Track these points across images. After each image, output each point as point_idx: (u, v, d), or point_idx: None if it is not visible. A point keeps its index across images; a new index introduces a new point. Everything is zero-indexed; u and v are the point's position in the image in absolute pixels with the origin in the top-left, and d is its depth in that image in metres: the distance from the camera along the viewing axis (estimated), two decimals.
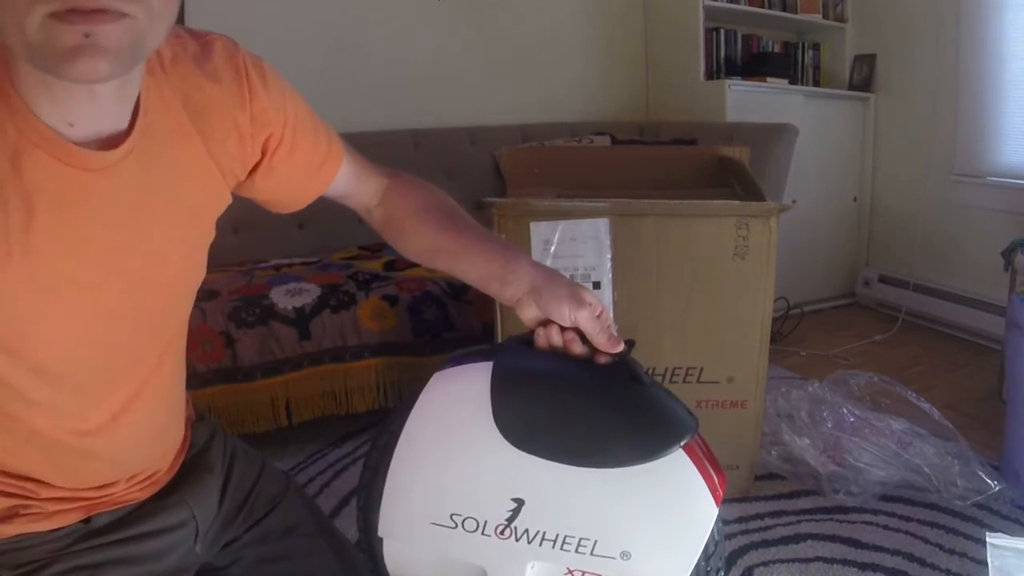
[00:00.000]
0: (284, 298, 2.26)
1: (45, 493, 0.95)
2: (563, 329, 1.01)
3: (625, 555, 1.03)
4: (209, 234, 1.02)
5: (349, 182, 1.13)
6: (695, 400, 1.87)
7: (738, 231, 1.78)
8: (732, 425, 1.89)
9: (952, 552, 1.73)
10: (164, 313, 0.97)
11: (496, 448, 1.03)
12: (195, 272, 1.02)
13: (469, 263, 1.09)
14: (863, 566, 1.68)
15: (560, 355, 1.04)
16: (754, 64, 3.72)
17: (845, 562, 1.70)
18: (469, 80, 3.56)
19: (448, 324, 2.34)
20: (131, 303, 0.90)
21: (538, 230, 1.80)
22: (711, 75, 3.68)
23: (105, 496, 1.00)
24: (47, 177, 0.76)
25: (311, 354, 2.22)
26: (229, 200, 1.02)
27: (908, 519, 1.86)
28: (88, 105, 0.76)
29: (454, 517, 1.09)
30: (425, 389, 1.09)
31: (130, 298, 0.89)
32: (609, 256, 1.81)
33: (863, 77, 3.79)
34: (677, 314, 1.84)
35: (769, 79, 3.60)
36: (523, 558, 1.08)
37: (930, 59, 3.47)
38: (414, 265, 2.23)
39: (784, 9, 3.78)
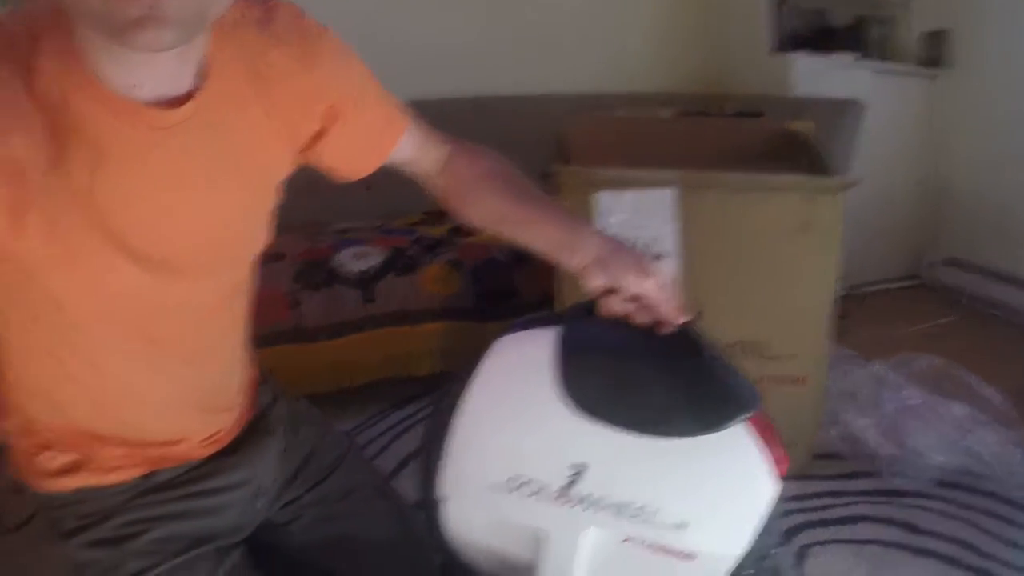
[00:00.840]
0: (349, 261, 2.30)
1: (108, 451, 0.98)
2: (627, 299, 1.01)
3: (682, 525, 1.03)
4: (271, 199, 1.02)
5: (412, 150, 1.13)
6: (756, 375, 1.86)
7: (804, 206, 1.77)
8: (792, 402, 1.89)
9: (1009, 543, 1.73)
10: (220, 274, 0.98)
11: (559, 413, 1.04)
12: (256, 236, 1.03)
13: (535, 231, 1.09)
14: (917, 551, 1.69)
15: (624, 324, 1.05)
16: (822, 38, 3.65)
17: (900, 546, 1.71)
18: (532, 49, 3.55)
19: (511, 290, 2.37)
20: (186, 262, 0.91)
21: (602, 200, 1.80)
22: (778, 48, 3.62)
23: (168, 452, 1.03)
24: (109, 134, 0.78)
25: (374, 317, 2.26)
26: (292, 166, 1.03)
27: (967, 506, 1.86)
28: (148, 69, 0.78)
29: (513, 480, 1.09)
30: (489, 353, 1.10)
31: (185, 256, 0.91)
32: (674, 228, 1.80)
33: (934, 53, 3.71)
34: (740, 288, 1.84)
35: (837, 53, 3.54)
36: (580, 524, 1.08)
37: (1004, 35, 3.37)
38: (478, 231, 2.25)
39: None
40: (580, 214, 1.71)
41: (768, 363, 1.88)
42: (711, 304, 1.79)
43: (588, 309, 1.07)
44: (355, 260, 2.30)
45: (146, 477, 1.02)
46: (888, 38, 3.89)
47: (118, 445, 0.99)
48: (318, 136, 1.02)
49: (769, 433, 1.04)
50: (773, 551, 1.09)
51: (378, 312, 2.26)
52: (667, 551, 1.05)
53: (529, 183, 1.16)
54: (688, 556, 1.04)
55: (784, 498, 1.80)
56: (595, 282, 1.02)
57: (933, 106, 3.75)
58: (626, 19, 3.74)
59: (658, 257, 1.80)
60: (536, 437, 1.06)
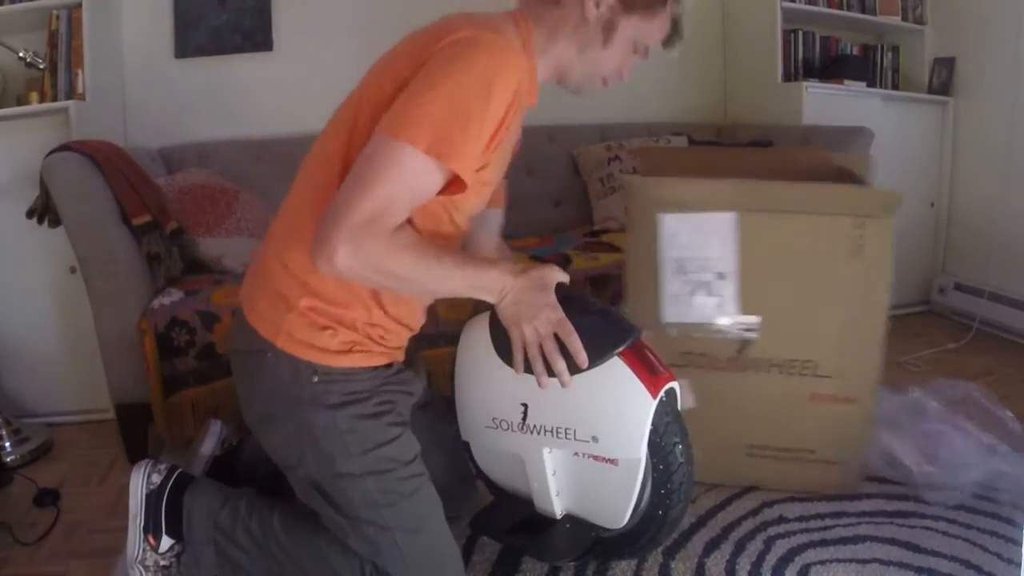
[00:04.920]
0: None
1: (377, 332, 1.39)
2: None
3: (595, 439, 1.48)
4: None
5: (494, 224, 1.77)
6: (808, 393, 1.95)
7: (855, 230, 1.84)
8: (841, 421, 1.96)
9: (1011, 563, 1.74)
10: None
11: (501, 368, 1.50)
12: None
13: None
14: (919, 570, 1.71)
15: None
16: (832, 66, 3.72)
17: (901, 565, 1.73)
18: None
19: None
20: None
21: (668, 221, 1.91)
22: (789, 77, 3.69)
23: (400, 347, 1.49)
24: (522, 107, 1.34)
25: None
26: None
27: (968, 526, 1.88)
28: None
29: (495, 420, 1.60)
30: (461, 336, 1.65)
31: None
32: (734, 249, 1.89)
33: (942, 80, 3.75)
34: (795, 308, 1.91)
35: (847, 82, 3.59)
36: (540, 445, 1.55)
37: (1010, 62, 3.42)
38: None
39: (863, 11, 3.76)
40: (646, 235, 1.94)
41: (820, 382, 1.95)
42: (767, 322, 1.93)
43: None
44: None
45: (387, 367, 1.45)
46: (897, 66, 3.94)
47: (394, 328, 1.42)
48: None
49: (640, 362, 1.46)
50: (672, 449, 1.53)
51: None
52: (598, 459, 1.51)
53: None
54: (612, 461, 1.50)
55: (788, 519, 1.87)
56: None
57: (943, 132, 3.79)
58: None
59: (720, 276, 1.91)
60: (495, 387, 1.55)
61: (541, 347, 1.39)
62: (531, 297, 1.37)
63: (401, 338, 1.48)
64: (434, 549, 1.44)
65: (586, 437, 1.48)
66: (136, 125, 3.11)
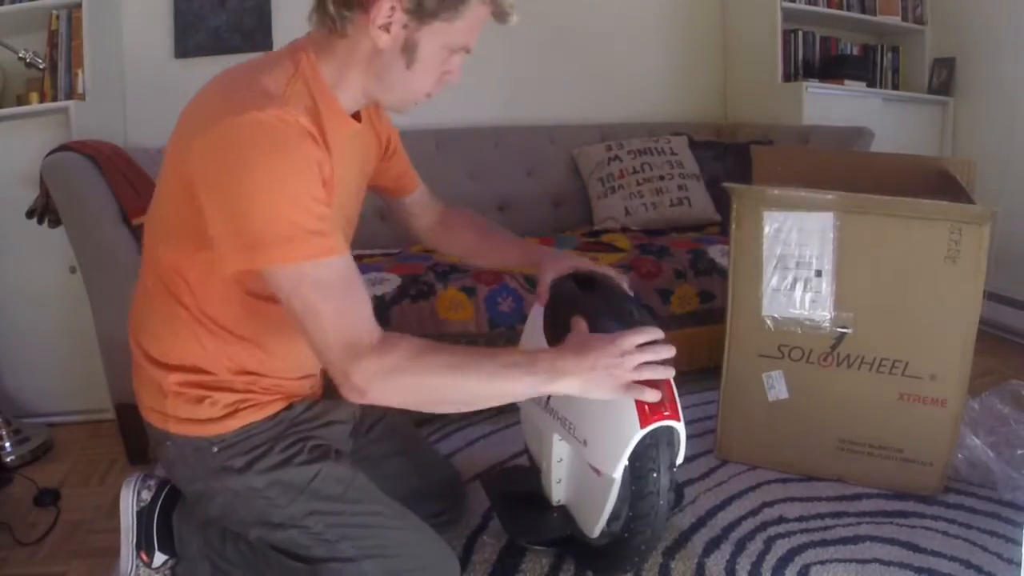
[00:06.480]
0: (366, 286, 2.35)
1: (264, 384, 1.36)
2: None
3: (584, 443, 1.48)
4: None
5: (422, 203, 1.76)
6: (898, 392, 1.99)
7: (951, 236, 1.87)
8: (930, 422, 1.98)
9: (1011, 563, 1.75)
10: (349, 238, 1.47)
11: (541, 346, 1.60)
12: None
13: (502, 255, 1.76)
14: (919, 570, 1.71)
15: (577, 294, 1.57)
16: (832, 66, 3.72)
17: (901, 565, 1.73)
18: (549, 80, 3.62)
19: (523, 316, 2.40)
20: (350, 227, 1.48)
21: (771, 218, 2.01)
22: (789, 77, 3.69)
23: (299, 388, 1.46)
24: (338, 138, 1.27)
25: None
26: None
27: (968, 527, 1.88)
28: (364, 104, 1.35)
29: None
30: (529, 315, 1.76)
31: (351, 222, 1.50)
32: (832, 248, 1.97)
33: (942, 80, 3.76)
34: (889, 309, 1.96)
35: (847, 82, 3.60)
36: (552, 429, 1.60)
37: (1010, 62, 3.43)
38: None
39: (863, 11, 3.77)
40: (752, 231, 2.04)
41: (910, 382, 1.98)
42: (861, 320, 1.98)
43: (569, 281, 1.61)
44: (371, 286, 2.36)
45: (288, 409, 1.41)
46: (898, 66, 3.94)
47: (270, 379, 1.38)
48: (386, 154, 1.60)
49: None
50: (644, 475, 1.44)
51: None
52: (589, 464, 1.49)
53: (494, 226, 1.80)
54: (597, 471, 1.47)
55: (788, 519, 1.86)
56: (547, 275, 1.63)
57: (943, 132, 3.79)
58: (641, 51, 3.82)
59: (818, 274, 1.99)
60: None
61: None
62: (597, 357, 1.27)
63: (293, 384, 1.44)
64: (413, 562, 1.39)
65: (581, 438, 1.48)
66: (136, 125, 3.11)
